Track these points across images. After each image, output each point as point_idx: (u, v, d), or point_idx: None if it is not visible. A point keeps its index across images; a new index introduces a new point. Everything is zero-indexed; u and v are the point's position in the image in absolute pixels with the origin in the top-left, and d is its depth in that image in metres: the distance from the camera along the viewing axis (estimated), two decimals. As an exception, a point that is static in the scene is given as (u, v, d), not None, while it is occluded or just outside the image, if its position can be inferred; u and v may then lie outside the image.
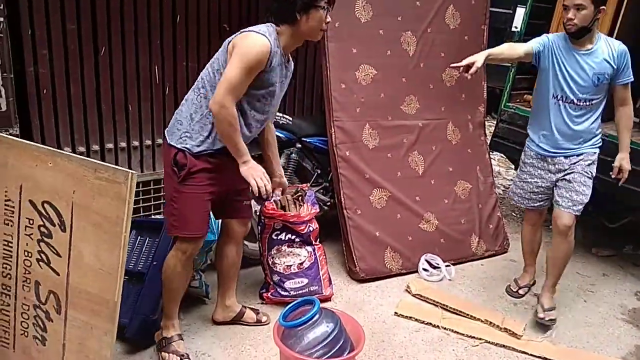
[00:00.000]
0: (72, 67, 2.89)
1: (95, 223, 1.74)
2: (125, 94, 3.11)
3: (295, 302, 2.16)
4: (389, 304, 2.92)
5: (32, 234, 1.84)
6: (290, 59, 2.27)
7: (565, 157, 2.72)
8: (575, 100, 2.63)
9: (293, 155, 3.16)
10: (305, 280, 2.79)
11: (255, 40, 1.99)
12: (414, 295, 3.00)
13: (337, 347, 1.99)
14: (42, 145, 1.82)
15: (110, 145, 3.12)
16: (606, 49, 2.59)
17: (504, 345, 2.63)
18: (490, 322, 2.76)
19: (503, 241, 3.70)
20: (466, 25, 3.56)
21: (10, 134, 2.61)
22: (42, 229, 1.82)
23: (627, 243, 3.88)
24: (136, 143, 3.20)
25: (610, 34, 3.42)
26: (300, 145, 3.19)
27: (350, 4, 3.17)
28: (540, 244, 3.13)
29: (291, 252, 2.79)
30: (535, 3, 3.87)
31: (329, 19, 2.13)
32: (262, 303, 2.83)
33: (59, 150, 1.83)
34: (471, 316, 2.81)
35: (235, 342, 2.51)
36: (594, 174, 2.74)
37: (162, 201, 3.29)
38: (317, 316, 2.02)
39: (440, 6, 3.46)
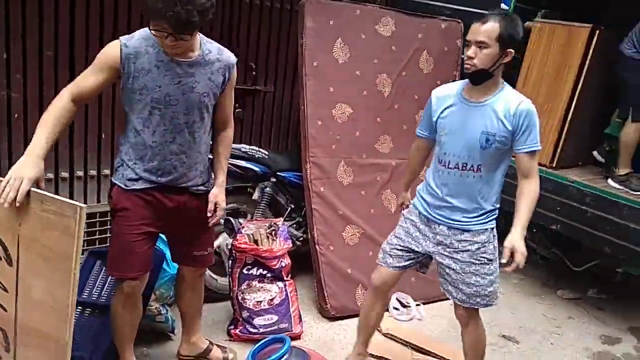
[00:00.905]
0: (47, 93, 2.86)
1: (45, 257, 1.63)
2: (100, 121, 3.08)
3: (264, 340, 2.12)
4: (359, 343, 2.88)
5: None
6: (209, 58, 2.00)
7: (448, 227, 2.21)
8: (460, 166, 2.13)
9: (267, 189, 3.16)
10: (275, 317, 2.75)
11: (106, 45, 1.93)
12: (384, 335, 2.98)
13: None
14: None
15: (80, 173, 3.07)
16: (503, 104, 2.06)
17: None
18: (456, 362, 2.75)
19: (472, 282, 3.73)
20: (439, 70, 3.69)
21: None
22: None
23: (591, 286, 3.96)
24: (107, 171, 3.14)
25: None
26: (274, 180, 3.19)
27: (329, 46, 3.25)
28: (380, 318, 2.55)
29: (262, 287, 2.75)
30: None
31: (175, 44, 1.82)
32: (230, 340, 2.76)
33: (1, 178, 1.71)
34: (441, 357, 2.80)
35: (201, 380, 2.43)
36: (491, 258, 2.23)
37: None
38: (287, 355, 1.98)
39: (415, 51, 3.58)
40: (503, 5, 3.75)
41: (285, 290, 2.80)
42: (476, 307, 2.26)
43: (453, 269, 2.22)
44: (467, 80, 2.15)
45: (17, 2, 2.64)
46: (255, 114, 3.73)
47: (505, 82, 2.15)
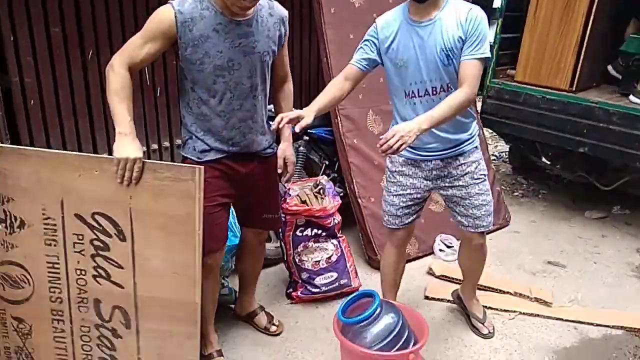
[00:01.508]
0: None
1: (160, 226, 1.63)
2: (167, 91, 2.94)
3: (352, 296, 2.08)
4: (417, 289, 2.90)
5: (83, 250, 1.69)
6: (262, 15, 1.88)
7: (441, 159, 2.15)
8: (430, 91, 2.01)
9: (301, 148, 3.07)
10: (335, 274, 2.72)
11: (157, 11, 1.79)
12: (438, 277, 3.00)
13: (402, 340, 1.93)
14: (82, 153, 1.67)
15: (155, 146, 2.97)
16: (453, 16, 1.94)
17: (538, 315, 2.67)
18: (521, 294, 2.79)
19: (505, 214, 3.77)
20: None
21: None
22: (96, 242, 1.68)
23: (614, 204, 4.04)
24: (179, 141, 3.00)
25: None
26: (307, 138, 3.09)
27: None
28: (403, 272, 2.51)
29: (318, 247, 2.71)
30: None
31: None
32: (292, 303, 2.74)
33: (104, 156, 1.67)
34: (500, 290, 2.83)
35: (277, 347, 2.41)
36: (486, 172, 2.23)
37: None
38: (379, 309, 1.95)
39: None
40: None
41: (340, 246, 2.76)
42: (490, 227, 2.26)
43: (459, 197, 2.19)
44: (407, 1, 2.03)
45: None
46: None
47: None
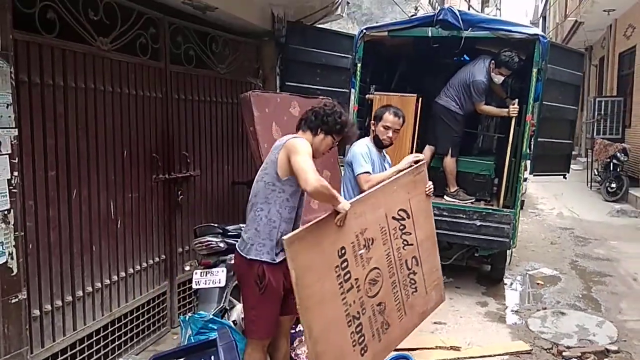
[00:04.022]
0: (52, 214, 2.68)
1: (421, 210, 3.15)
2: (90, 234, 2.98)
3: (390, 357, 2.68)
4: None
5: (396, 235, 2.92)
6: None
7: None
8: None
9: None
10: None
11: (303, 139, 2.59)
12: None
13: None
14: (385, 182, 2.95)
15: (89, 289, 2.94)
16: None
17: (459, 357, 3.64)
18: (439, 346, 3.75)
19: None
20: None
21: (19, 300, 2.31)
22: (400, 227, 2.96)
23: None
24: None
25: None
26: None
27: (270, 129, 3.88)
28: None
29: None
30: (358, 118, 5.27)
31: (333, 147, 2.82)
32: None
33: (393, 178, 3.02)
34: (425, 347, 3.73)
35: None
36: None
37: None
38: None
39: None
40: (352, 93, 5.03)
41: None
42: None
43: None
44: (370, 142, 3.59)
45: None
46: (196, 196, 4.01)
47: None
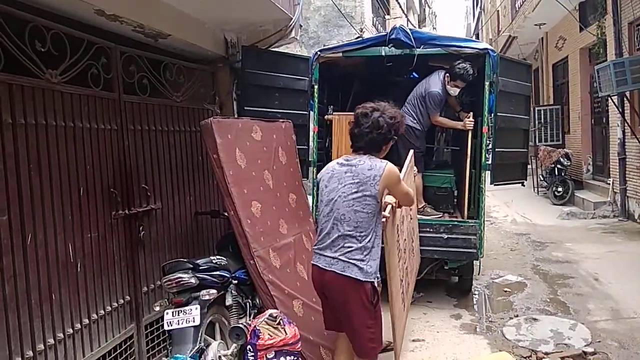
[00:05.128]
0: (6, 263, 2.45)
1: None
2: (49, 281, 2.75)
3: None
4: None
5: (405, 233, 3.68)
6: None
7: None
8: None
9: (234, 292, 3.39)
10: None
11: (390, 165, 2.90)
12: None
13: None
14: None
15: (51, 341, 2.67)
16: None
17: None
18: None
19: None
20: (290, 159, 4.59)
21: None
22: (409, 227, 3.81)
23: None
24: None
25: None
26: (235, 281, 3.44)
27: (233, 155, 3.75)
28: None
29: (290, 372, 3.04)
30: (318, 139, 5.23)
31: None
32: None
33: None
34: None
35: None
36: None
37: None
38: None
39: (275, 148, 4.39)
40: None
41: (303, 365, 3.16)
42: None
43: None
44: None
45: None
46: (158, 230, 3.81)
47: None
